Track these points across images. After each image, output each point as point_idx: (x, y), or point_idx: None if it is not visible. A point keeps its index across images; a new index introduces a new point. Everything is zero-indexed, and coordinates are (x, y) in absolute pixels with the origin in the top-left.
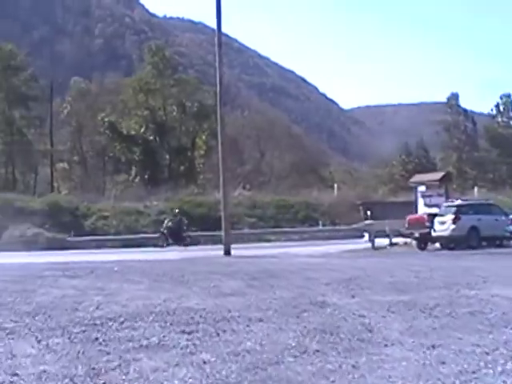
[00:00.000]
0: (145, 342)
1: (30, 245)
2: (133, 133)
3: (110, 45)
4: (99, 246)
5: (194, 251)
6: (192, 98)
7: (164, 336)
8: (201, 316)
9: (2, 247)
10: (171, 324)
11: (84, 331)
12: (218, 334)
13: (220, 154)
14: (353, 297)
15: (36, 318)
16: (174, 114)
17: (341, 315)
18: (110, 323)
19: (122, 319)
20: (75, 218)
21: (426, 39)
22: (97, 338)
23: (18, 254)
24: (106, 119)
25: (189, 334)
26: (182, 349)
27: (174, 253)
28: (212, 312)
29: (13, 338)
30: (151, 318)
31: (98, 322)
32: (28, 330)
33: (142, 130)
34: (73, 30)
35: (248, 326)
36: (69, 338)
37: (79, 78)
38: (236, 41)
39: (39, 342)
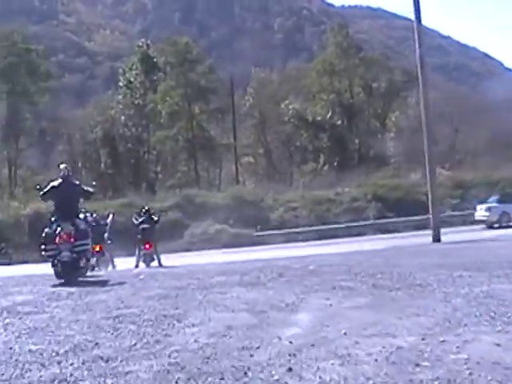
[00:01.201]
0: None
1: (212, 242)
2: (319, 118)
3: (289, 39)
4: (288, 239)
5: (394, 239)
6: (379, 78)
7: None
8: None
9: (183, 246)
10: None
11: None
12: None
13: (424, 129)
14: None
15: None
16: (361, 95)
17: None
18: None
19: None
20: (261, 211)
21: None
22: None
23: (199, 253)
24: (291, 106)
25: None
26: None
27: (372, 242)
28: None
29: None
30: None
31: None
32: None
33: (329, 114)
34: (251, 28)
35: None
36: None
37: (260, 69)
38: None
39: None
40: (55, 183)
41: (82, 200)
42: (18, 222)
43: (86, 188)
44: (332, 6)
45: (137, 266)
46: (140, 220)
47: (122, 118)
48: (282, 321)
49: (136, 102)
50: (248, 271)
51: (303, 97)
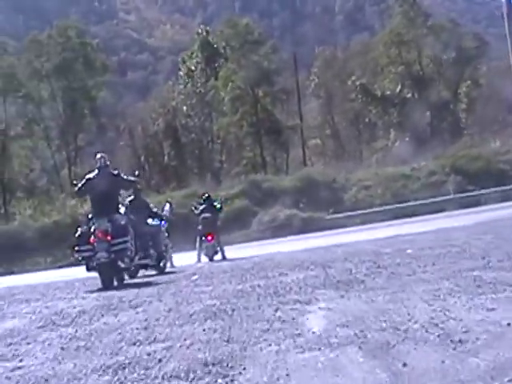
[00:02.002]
0: None
1: (282, 229)
2: (388, 93)
3: (350, 19)
4: (364, 221)
5: (481, 213)
6: (448, 47)
7: None
8: None
9: (251, 236)
10: None
11: None
12: None
13: None
14: None
15: None
16: (431, 65)
17: None
18: None
19: None
20: (333, 193)
21: None
22: None
23: (269, 241)
24: (358, 82)
25: None
26: None
27: (457, 218)
28: None
29: None
30: None
31: None
32: None
33: (398, 88)
34: (312, 12)
35: None
36: None
37: (324, 48)
38: None
39: None
40: (90, 175)
41: (122, 191)
42: (75, 221)
43: (126, 177)
44: None
45: (199, 261)
46: (200, 208)
47: (184, 107)
48: (430, 367)
49: (197, 90)
50: (331, 261)
51: (370, 71)
